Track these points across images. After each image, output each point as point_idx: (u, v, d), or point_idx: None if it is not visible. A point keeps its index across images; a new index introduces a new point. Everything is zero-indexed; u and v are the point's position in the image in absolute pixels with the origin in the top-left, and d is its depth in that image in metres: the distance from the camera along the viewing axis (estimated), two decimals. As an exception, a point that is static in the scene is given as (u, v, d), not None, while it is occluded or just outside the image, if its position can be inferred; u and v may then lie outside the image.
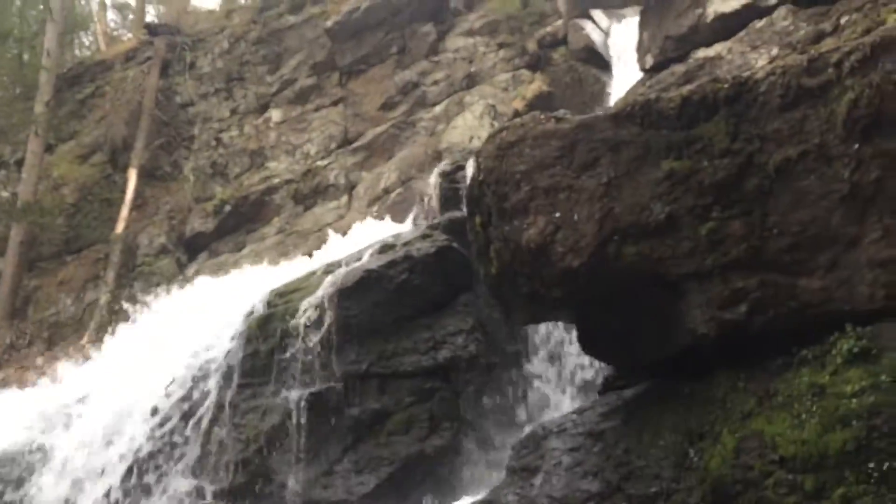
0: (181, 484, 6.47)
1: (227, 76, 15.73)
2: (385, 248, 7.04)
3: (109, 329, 11.37)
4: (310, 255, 11.92)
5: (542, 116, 4.62)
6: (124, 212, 14.66)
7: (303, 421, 6.34)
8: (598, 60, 12.26)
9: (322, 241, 12.79)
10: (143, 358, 7.48)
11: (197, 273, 13.96)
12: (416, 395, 6.19)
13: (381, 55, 13.92)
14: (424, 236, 6.86)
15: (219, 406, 6.78)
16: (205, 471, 6.48)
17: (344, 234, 11.74)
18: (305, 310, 6.66)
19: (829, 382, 3.66)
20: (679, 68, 7.66)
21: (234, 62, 15.77)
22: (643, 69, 8.72)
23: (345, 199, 13.47)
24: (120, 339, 8.72)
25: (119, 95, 16.18)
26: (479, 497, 5.12)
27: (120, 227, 14.44)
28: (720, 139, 3.97)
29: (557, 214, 4.40)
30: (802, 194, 3.80)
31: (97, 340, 13.42)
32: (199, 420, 6.72)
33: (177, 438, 6.65)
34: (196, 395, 6.89)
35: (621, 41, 12.23)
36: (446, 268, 6.43)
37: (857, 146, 3.63)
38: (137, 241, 14.70)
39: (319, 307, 6.65)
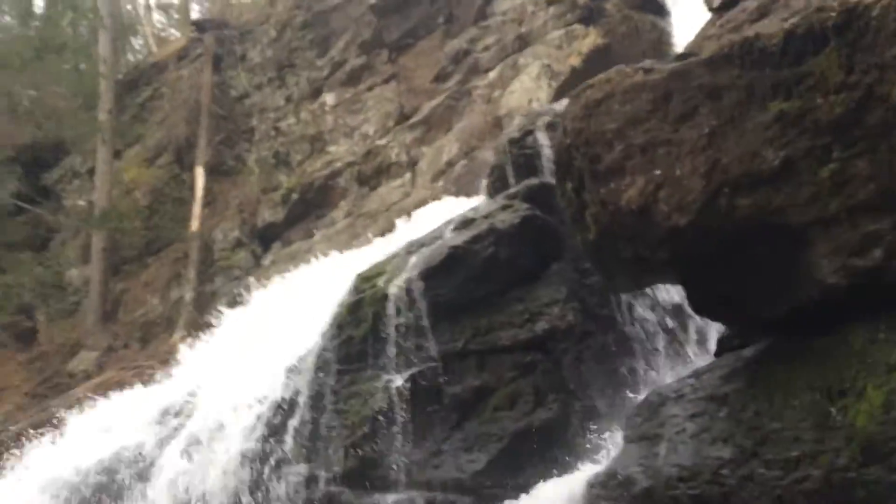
0: (294, 472, 6.43)
1: (278, 64, 15.64)
2: (466, 222, 6.83)
3: (204, 325, 11.51)
4: (382, 235, 11.82)
5: (629, 69, 4.31)
6: (196, 209, 14.79)
7: (406, 403, 6.23)
8: (653, 6, 11.76)
9: (390, 221, 12.68)
10: (243, 353, 7.48)
11: (273, 263, 14.06)
12: (517, 370, 6.00)
13: (429, 26, 13.61)
14: (504, 207, 6.62)
15: (320, 395, 6.72)
16: (316, 458, 6.43)
17: (410, 213, 11.61)
18: (394, 293, 6.51)
19: (981, 325, 3.33)
20: (750, 4, 7.13)
21: (283, 50, 15.66)
22: (711, 9, 8.18)
23: (408, 176, 13.27)
24: (219, 335, 8.77)
25: (176, 95, 16.27)
26: (598, 468, 4.93)
27: (195, 225, 14.58)
28: (833, 73, 3.61)
29: (657, 172, 4.11)
30: (934, 123, 3.43)
31: (188, 336, 13.68)
32: (304, 409, 6.67)
33: (285, 429, 6.62)
34: (297, 385, 6.84)
35: (676, -15, 11.69)
36: (533, 237, 6.18)
37: None
38: (213, 237, 14.84)
39: (408, 289, 6.50)
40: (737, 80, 3.88)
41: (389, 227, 12.24)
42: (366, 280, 6.98)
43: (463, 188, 11.08)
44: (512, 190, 7.03)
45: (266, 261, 14.43)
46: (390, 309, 6.48)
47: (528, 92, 12.01)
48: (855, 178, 3.62)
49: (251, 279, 13.30)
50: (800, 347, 4.13)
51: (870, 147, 3.58)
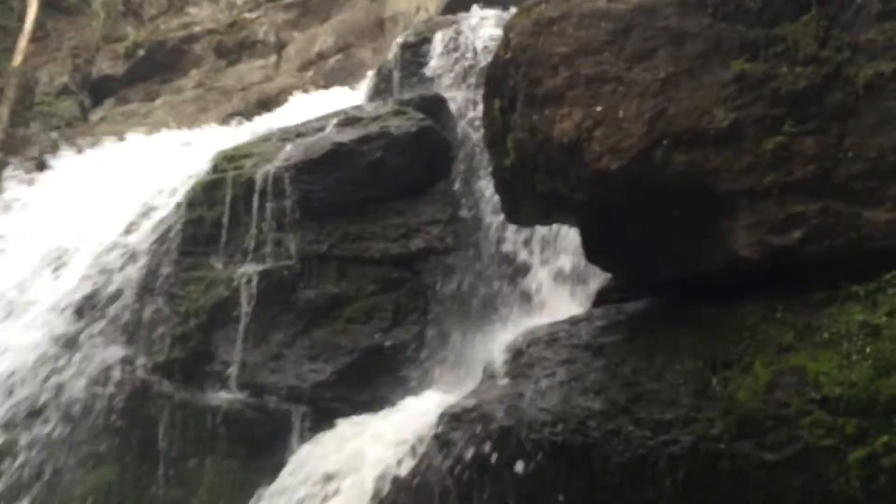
0: (111, 351, 5.72)
1: None
2: (351, 120, 6.25)
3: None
4: (236, 114, 10.87)
5: (591, -8, 3.93)
6: (22, 43, 12.87)
7: (252, 298, 5.68)
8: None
9: (246, 100, 11.70)
10: (74, 207, 6.54)
11: (103, 119, 12.62)
12: (380, 284, 5.61)
13: None
14: (397, 112, 6.10)
15: (154, 273, 5.99)
16: (138, 343, 5.74)
17: (271, 97, 10.77)
18: (261, 179, 5.85)
19: (884, 324, 3.34)
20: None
21: None
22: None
23: (273, 58, 12.24)
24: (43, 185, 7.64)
25: None
26: (454, 398, 4.68)
27: (17, 60, 12.69)
28: (807, 43, 3.43)
29: (599, 108, 3.79)
30: (889, 117, 3.35)
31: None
32: (133, 285, 5.92)
33: (105, 305, 5.85)
34: (130, 256, 6.06)
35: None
36: (426, 150, 5.74)
37: (963, 71, 3.19)
38: (36, 77, 13.01)
39: (277, 178, 5.86)
40: (705, 30, 3.62)
41: (244, 108, 11.30)
42: (229, 160, 6.26)
43: (334, 83, 10.33)
44: (405, 96, 6.52)
45: (95, 115, 12.90)
46: (254, 195, 5.83)
47: None
48: (798, 156, 3.50)
49: (76, 132, 11.89)
50: (688, 312, 4.04)
51: (821, 127, 3.45)
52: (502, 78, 4.14)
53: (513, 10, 8.82)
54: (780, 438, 3.45)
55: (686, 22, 3.66)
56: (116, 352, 5.60)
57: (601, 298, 4.76)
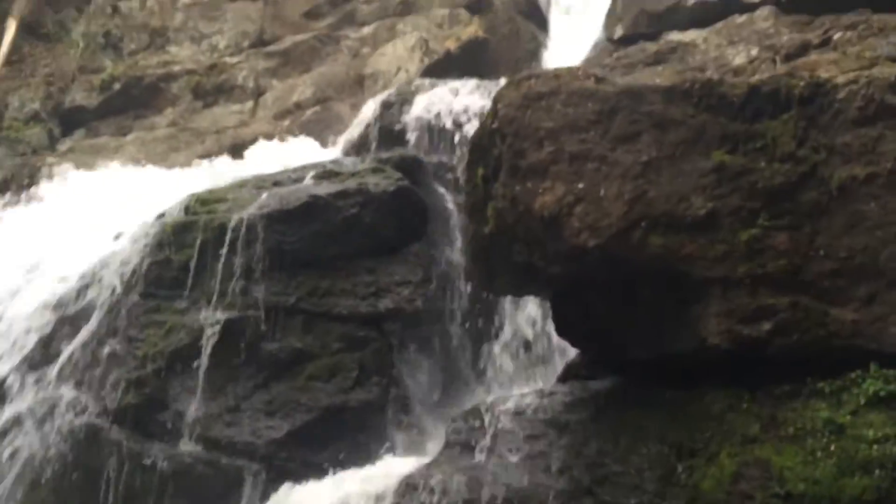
0: (61, 391, 5.51)
1: (136, -59, 13.87)
2: (328, 174, 6.23)
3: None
4: (209, 156, 10.81)
5: (580, 73, 4.03)
6: (-4, 65, 12.72)
7: (212, 347, 5.54)
8: (538, 18, 11.72)
9: (219, 143, 11.65)
10: (37, 237, 6.38)
11: (71, 150, 12.42)
12: (345, 342, 5.51)
13: (316, -42, 12.66)
14: (375, 170, 6.11)
15: (115, 312, 5.83)
16: (90, 385, 5.55)
17: (246, 143, 10.74)
18: (234, 225, 5.78)
19: (849, 423, 3.39)
20: (651, 46, 7.24)
21: (147, -73, 13.90)
22: (609, 39, 8.25)
23: (250, 104, 12.22)
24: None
25: (6, -67, 13.90)
26: (414, 466, 4.59)
27: (-11, 83, 12.52)
28: (785, 142, 3.54)
29: (581, 185, 3.85)
30: (859, 219, 3.46)
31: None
32: (91, 324, 5.75)
33: (66, 340, 5.67)
34: (92, 294, 5.90)
35: (563, 2, 11.75)
36: (402, 210, 5.74)
37: (932, 181, 3.31)
38: (6, 101, 12.82)
39: (250, 225, 5.79)
40: (689, 119, 3.72)
41: (217, 151, 11.25)
42: (202, 203, 6.17)
43: (310, 134, 10.35)
44: (383, 155, 6.53)
45: (63, 146, 12.68)
46: (226, 241, 5.74)
47: (399, 59, 11.49)
48: (771, 250, 3.58)
49: (48, 161, 11.69)
50: (655, 395, 4.06)
51: (795, 224, 3.55)
52: (487, 147, 4.19)
53: (490, 79, 9.06)
54: (744, 531, 3.45)
55: (670, 109, 3.76)
56: (67, 392, 5.40)
57: (568, 373, 4.75)
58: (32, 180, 10.29)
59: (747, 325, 3.65)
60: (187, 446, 5.19)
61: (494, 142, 4.11)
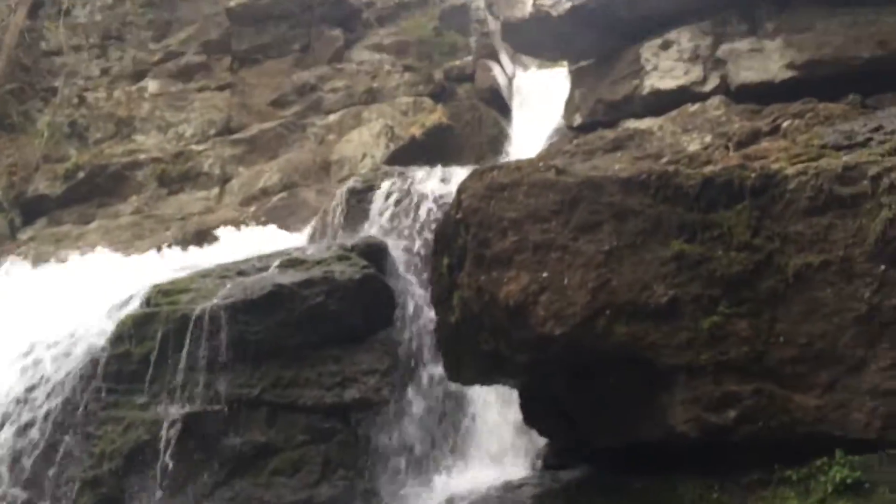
0: (12, 491, 5.27)
1: (105, 33, 14.04)
2: (293, 262, 6.20)
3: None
4: (171, 244, 10.75)
5: (542, 164, 4.12)
6: (-43, 155, 12.63)
7: (172, 443, 5.37)
8: (500, 104, 12.01)
9: (184, 230, 11.60)
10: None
11: (32, 239, 12.27)
12: (310, 434, 5.38)
13: (282, 49, 12.91)
14: (341, 258, 6.09)
15: (71, 409, 5.65)
16: (42, 486, 5.32)
17: (212, 229, 10.68)
18: (198, 316, 5.69)
19: (817, 510, 3.37)
20: (609, 133, 7.41)
21: (116, 19, 14.11)
22: (570, 126, 8.46)
23: (216, 191, 12.25)
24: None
25: (-27, 27, 14.03)
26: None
27: (-51, 172, 12.40)
28: (740, 231, 3.63)
29: (545, 274, 3.89)
30: (816, 306, 3.52)
31: None
32: (45, 421, 5.56)
33: (15, 439, 5.45)
34: (46, 390, 5.72)
35: (524, 90, 12.08)
36: (368, 298, 5.70)
37: (883, 267, 3.40)
38: (-33, 192, 12.68)
39: (213, 316, 5.71)
40: (647, 209, 3.80)
41: (181, 237, 11.18)
42: (164, 294, 6.08)
43: (275, 220, 10.36)
44: (349, 242, 6.53)
45: (24, 234, 12.53)
46: (188, 333, 5.64)
47: (364, 146, 11.66)
48: (732, 336, 3.61)
49: (6, 252, 11.51)
50: (626, 485, 4.01)
51: (755, 311, 3.60)
52: (452, 236, 4.22)
53: (455, 164, 9.21)
54: None
55: (629, 200, 3.84)
56: (18, 494, 5.17)
57: (537, 463, 4.69)
58: (-8, 269, 10.06)
59: (713, 412, 3.65)
60: (145, 549, 4.98)
61: (459, 232, 4.15)
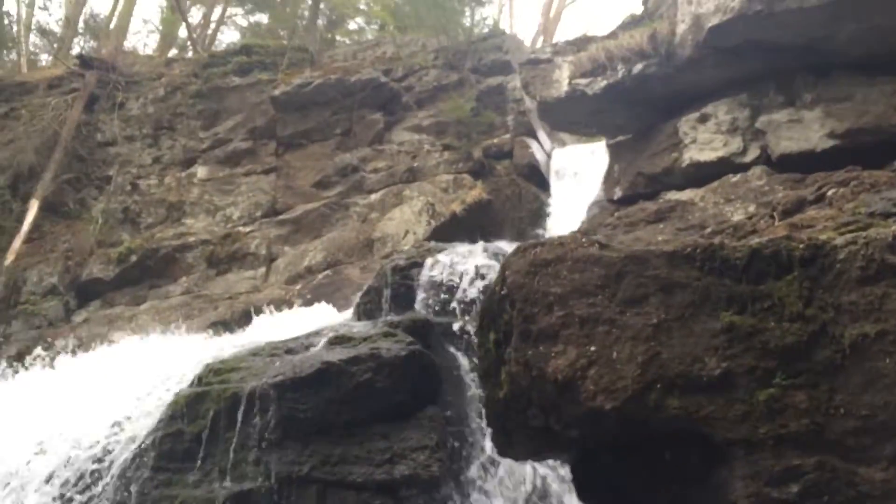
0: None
1: (157, 124, 14.66)
2: (340, 339, 6.24)
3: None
4: (222, 322, 10.92)
5: (584, 240, 4.12)
6: (17, 243, 13.10)
7: (226, 522, 5.34)
8: (538, 179, 12.14)
9: (232, 309, 11.77)
10: (44, 414, 6.27)
11: (86, 321, 12.55)
12: (361, 511, 5.33)
13: (325, 133, 13.32)
14: (387, 334, 6.12)
15: (125, 488, 5.66)
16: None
17: (259, 308, 10.82)
18: (248, 395, 5.72)
19: (892, 588, 3.20)
20: (650, 205, 7.44)
21: (167, 111, 14.74)
22: (609, 200, 8.50)
23: (262, 270, 12.49)
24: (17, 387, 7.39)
25: (35, 121, 14.73)
26: None
27: (10, 259, 12.84)
28: (792, 301, 3.57)
29: (593, 348, 3.85)
30: (876, 376, 3.42)
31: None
32: (102, 501, 5.57)
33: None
34: (100, 471, 5.75)
35: (562, 165, 12.20)
36: (415, 374, 5.69)
37: (941, 335, 3.30)
38: (25, 277, 13.08)
39: (263, 394, 5.74)
40: (694, 281, 3.76)
41: (230, 317, 11.35)
42: (215, 373, 6.14)
43: (321, 298, 10.47)
44: (395, 318, 6.57)
45: (79, 317, 12.83)
46: (239, 411, 5.67)
47: (406, 223, 11.83)
48: (791, 409, 3.51)
49: (59, 333, 11.77)
50: (687, 564, 3.86)
51: (812, 382, 3.50)
52: (497, 313, 4.22)
53: (495, 239, 9.25)
54: None
55: (675, 273, 3.82)
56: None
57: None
58: (47, 352, 10.28)
59: (775, 487, 3.52)
60: None
61: (504, 308, 4.15)
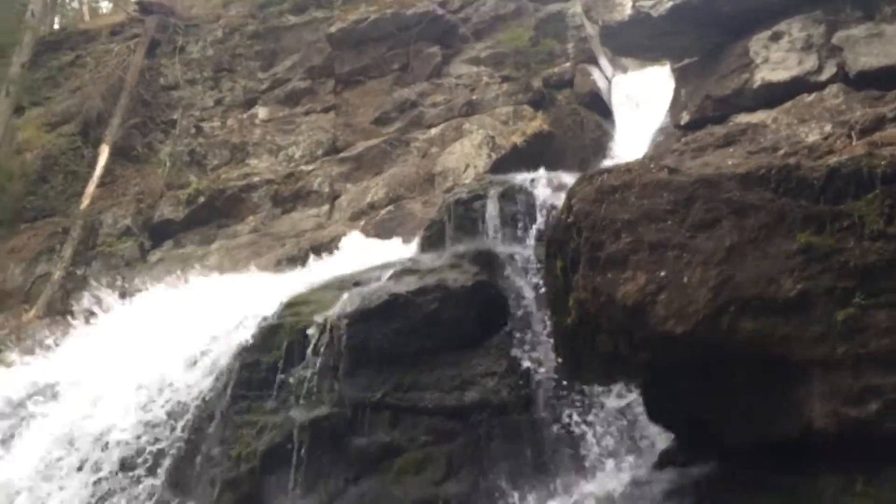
0: (161, 497, 5.56)
1: (217, 66, 14.74)
2: (406, 271, 6.32)
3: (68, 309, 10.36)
4: (289, 260, 11.14)
5: (653, 165, 4.04)
6: (91, 188, 13.47)
7: (304, 446, 5.55)
8: (601, 108, 11.86)
9: (300, 248, 11.97)
10: (131, 349, 6.58)
11: (160, 261, 12.95)
12: (433, 435, 5.45)
13: (382, 69, 13.20)
14: (453, 266, 6.17)
15: (208, 416, 5.92)
16: (186, 488, 5.60)
17: (325, 244, 11.00)
18: (319, 326, 5.88)
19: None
20: (719, 129, 7.22)
21: (226, 53, 14.79)
22: (676, 125, 8.28)
23: (326, 207, 12.62)
24: (103, 326, 7.74)
25: (100, 68, 14.98)
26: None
27: (85, 203, 13.25)
28: (873, 220, 3.45)
29: (663, 273, 3.81)
30: (960, 293, 3.31)
31: (45, 316, 12.26)
32: (186, 428, 5.85)
33: (161, 444, 5.76)
34: (186, 399, 6.02)
35: (625, 93, 11.89)
36: (481, 303, 5.74)
37: None
38: (100, 220, 13.52)
39: (333, 326, 5.89)
40: (768, 203, 3.67)
41: (297, 253, 11.55)
42: (288, 307, 6.31)
43: (384, 233, 10.56)
44: (459, 250, 6.60)
45: (153, 257, 13.24)
46: (310, 343, 5.83)
47: (466, 157, 11.75)
48: (870, 328, 3.44)
49: (136, 273, 12.19)
50: (761, 480, 3.86)
51: (893, 301, 3.41)
52: (564, 240, 4.20)
53: (559, 172, 9.13)
54: None
55: (748, 195, 3.73)
56: (166, 496, 5.46)
57: (664, 460, 4.58)
58: (127, 290, 10.68)
59: (853, 406, 3.48)
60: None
61: (571, 235, 4.12)
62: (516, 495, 5.26)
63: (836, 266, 3.50)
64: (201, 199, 13.19)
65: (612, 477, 4.76)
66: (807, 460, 3.72)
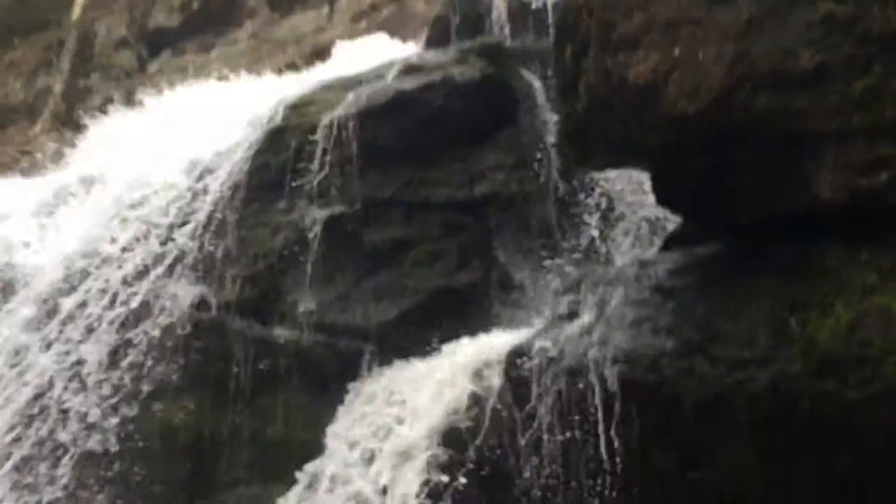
0: (185, 291, 5.78)
1: None
2: (411, 68, 6.15)
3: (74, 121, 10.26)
4: (292, 66, 10.83)
5: (670, -64, 3.77)
6: (80, -5, 12.91)
7: (318, 241, 5.68)
8: None
9: (301, 53, 11.60)
10: (142, 151, 6.59)
11: (160, 72, 12.64)
12: (444, 228, 5.56)
13: None
14: (459, 60, 5.99)
15: (222, 218, 6.02)
16: (210, 283, 5.80)
17: (326, 47, 10.62)
18: (326, 126, 5.81)
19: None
20: None
21: None
22: None
23: (325, 10, 12.09)
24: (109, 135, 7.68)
25: None
26: (519, 337, 4.66)
27: (76, 12, 12.75)
28: (901, -15, 3.26)
29: (677, 51, 3.67)
30: None
31: (52, 129, 12.20)
32: (205, 227, 5.97)
33: (182, 243, 5.90)
34: (198, 203, 6.10)
35: None
36: (490, 97, 5.64)
37: None
38: (94, 30, 13.07)
39: (341, 125, 5.82)
40: (789, -31, 3.46)
41: (298, 58, 11.22)
42: (293, 108, 6.21)
43: (387, 33, 10.18)
44: (466, 44, 6.38)
45: (153, 67, 12.94)
46: (318, 142, 5.80)
47: (471, -49, 11.04)
48: (887, 98, 3.35)
49: (136, 84, 11.94)
50: (763, 255, 3.94)
51: (913, 70, 3.30)
52: (574, 23, 4.03)
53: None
54: (864, 377, 3.39)
55: (768, -39, 3.50)
56: (191, 290, 5.67)
57: (672, 241, 4.67)
58: (129, 101, 10.51)
59: (863, 176, 3.47)
60: (305, 332, 5.41)
61: (581, 17, 3.95)
62: (526, 281, 5.44)
63: (858, 34, 3.35)
64: (195, 5, 12.65)
65: (622, 259, 4.90)
66: (813, 235, 3.77)
